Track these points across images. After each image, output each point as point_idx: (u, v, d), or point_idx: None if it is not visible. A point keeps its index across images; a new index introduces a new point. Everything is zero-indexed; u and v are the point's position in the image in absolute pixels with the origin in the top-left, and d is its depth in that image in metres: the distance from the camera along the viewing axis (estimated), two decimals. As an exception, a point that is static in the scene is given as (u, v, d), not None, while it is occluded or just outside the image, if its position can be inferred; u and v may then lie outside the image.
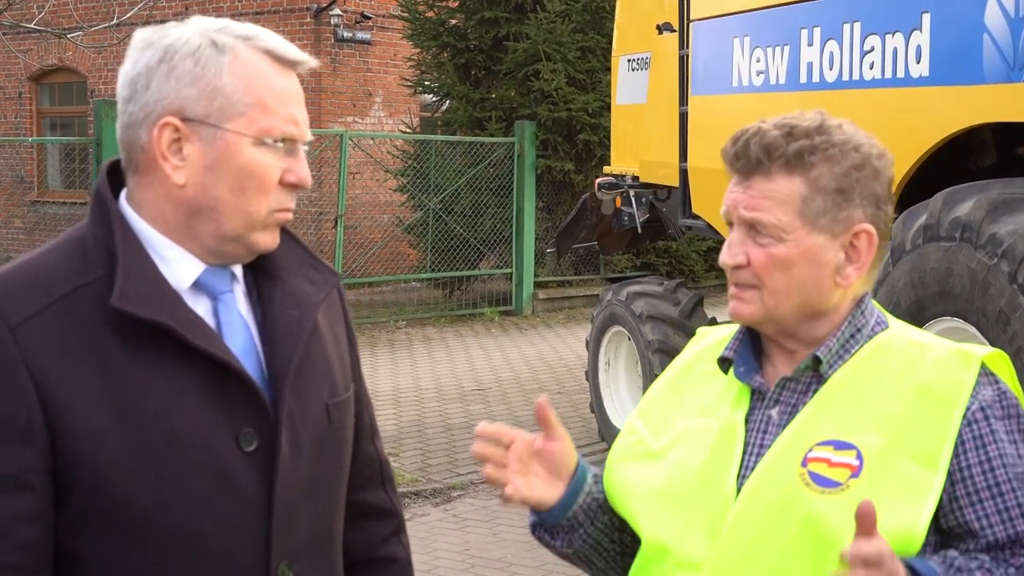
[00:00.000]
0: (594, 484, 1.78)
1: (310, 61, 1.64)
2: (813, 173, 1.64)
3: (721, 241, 7.56)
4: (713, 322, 7.11)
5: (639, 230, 8.04)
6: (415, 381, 9.69)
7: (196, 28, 1.58)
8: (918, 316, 4.51)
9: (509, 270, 13.42)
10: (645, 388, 7.00)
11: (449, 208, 13.24)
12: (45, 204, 17.27)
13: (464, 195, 13.24)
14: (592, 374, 7.66)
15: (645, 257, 13.96)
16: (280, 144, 1.58)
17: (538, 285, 13.54)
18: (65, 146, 16.19)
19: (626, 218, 8.10)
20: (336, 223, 12.30)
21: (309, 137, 1.63)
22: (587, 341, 7.78)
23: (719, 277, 14.23)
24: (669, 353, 6.85)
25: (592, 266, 14.20)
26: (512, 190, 13.25)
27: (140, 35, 1.60)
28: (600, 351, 7.60)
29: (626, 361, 7.55)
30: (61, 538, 1.51)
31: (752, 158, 1.65)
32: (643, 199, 7.88)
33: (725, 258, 1.67)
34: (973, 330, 4.32)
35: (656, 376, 7.58)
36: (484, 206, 13.27)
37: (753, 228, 1.65)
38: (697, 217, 6.77)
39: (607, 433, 7.48)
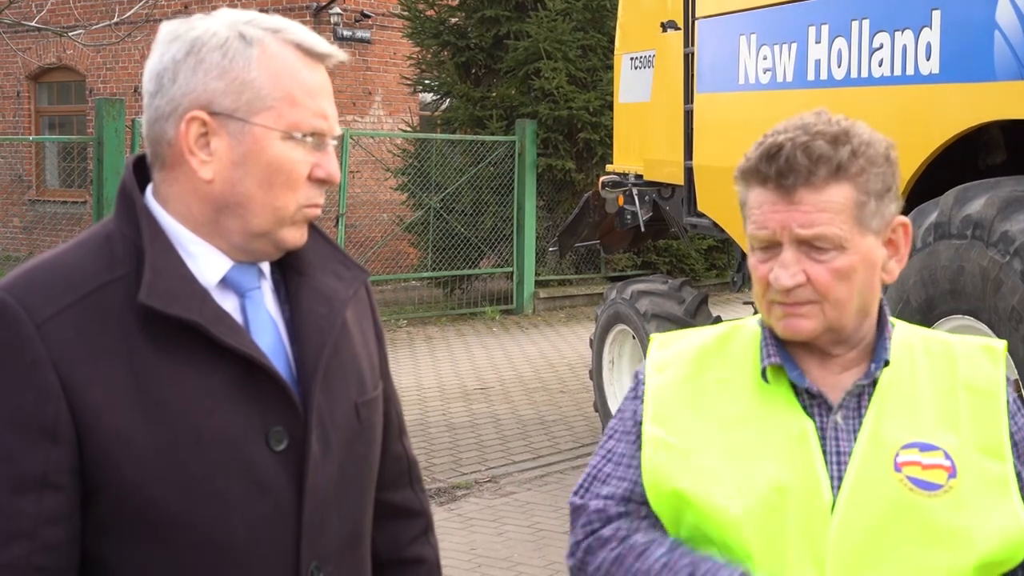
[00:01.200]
0: None
1: (339, 54, 1.62)
2: (861, 178, 1.61)
3: (723, 240, 7.50)
4: (718, 321, 7.09)
5: (642, 228, 8.01)
6: (417, 380, 9.66)
7: (224, 21, 1.55)
8: (929, 314, 4.49)
9: (510, 269, 13.40)
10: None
11: (450, 207, 13.22)
12: (43, 203, 17.25)
13: (465, 194, 13.22)
14: (596, 373, 7.63)
15: (646, 256, 13.94)
16: (309, 138, 1.55)
17: (539, 284, 13.52)
18: (63, 145, 16.16)
19: (629, 216, 8.07)
20: (337, 222, 12.28)
21: (338, 131, 1.60)
22: (591, 340, 7.76)
23: (720, 276, 14.23)
24: (674, 352, 6.81)
25: (593, 265, 14.18)
26: (513, 189, 13.23)
27: (166, 28, 1.57)
28: (604, 350, 7.58)
29: (630, 360, 7.53)
30: (87, 540, 1.48)
31: (802, 171, 1.59)
32: (647, 197, 7.85)
33: (784, 280, 1.60)
34: (985, 328, 4.30)
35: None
36: (485, 205, 13.24)
37: (806, 243, 1.60)
38: (702, 215, 6.75)
39: (611, 432, 7.45)
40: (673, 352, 1.79)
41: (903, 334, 1.71)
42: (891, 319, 1.73)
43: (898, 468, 1.60)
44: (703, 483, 1.65)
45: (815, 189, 1.59)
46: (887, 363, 1.65)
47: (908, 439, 1.61)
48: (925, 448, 1.60)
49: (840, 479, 1.61)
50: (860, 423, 1.64)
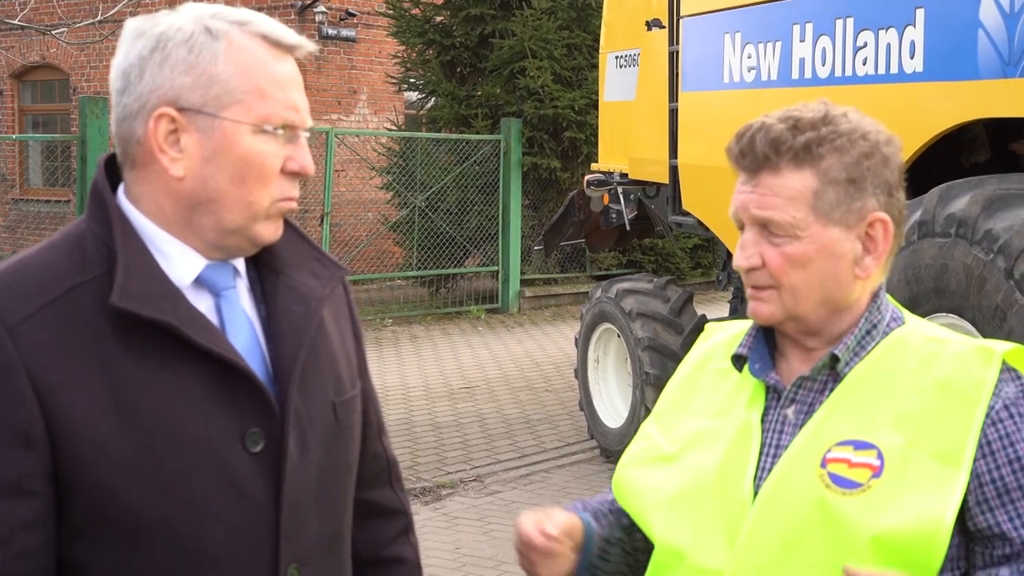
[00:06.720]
0: (600, 530, 1.79)
1: (308, 45, 1.58)
2: (823, 165, 1.59)
3: (708, 239, 7.54)
4: (703, 320, 7.08)
5: (627, 227, 8.02)
6: (402, 379, 9.64)
7: (189, 15, 1.53)
8: (912, 312, 4.48)
9: (495, 268, 13.38)
10: (635, 385, 6.97)
11: (435, 206, 13.19)
12: (27, 202, 17.17)
13: (450, 193, 13.20)
14: (581, 372, 7.63)
15: (631, 255, 13.95)
16: (280, 131, 1.53)
17: (524, 283, 13.51)
18: (47, 144, 16.09)
19: (614, 215, 8.08)
20: (322, 221, 12.25)
21: (310, 123, 1.58)
22: (576, 338, 7.75)
23: (705, 275, 14.24)
24: (659, 350, 6.82)
25: (578, 264, 14.18)
26: (498, 188, 13.21)
27: (131, 24, 1.54)
28: (589, 348, 7.58)
29: (615, 358, 7.52)
30: (63, 545, 1.46)
31: (759, 154, 1.60)
32: (632, 196, 7.86)
33: (739, 261, 1.63)
34: (969, 326, 4.30)
35: (646, 373, 7.43)
36: (470, 204, 13.23)
37: (766, 227, 1.60)
38: (687, 214, 6.75)
39: (596, 431, 7.46)
40: (705, 345, 1.84)
41: (905, 331, 1.66)
42: (906, 316, 1.69)
43: (824, 464, 1.57)
44: (647, 472, 1.71)
45: (774, 173, 1.60)
46: (835, 359, 1.62)
47: (847, 436, 1.58)
48: (860, 446, 1.56)
49: (770, 472, 1.61)
50: (810, 418, 1.62)
